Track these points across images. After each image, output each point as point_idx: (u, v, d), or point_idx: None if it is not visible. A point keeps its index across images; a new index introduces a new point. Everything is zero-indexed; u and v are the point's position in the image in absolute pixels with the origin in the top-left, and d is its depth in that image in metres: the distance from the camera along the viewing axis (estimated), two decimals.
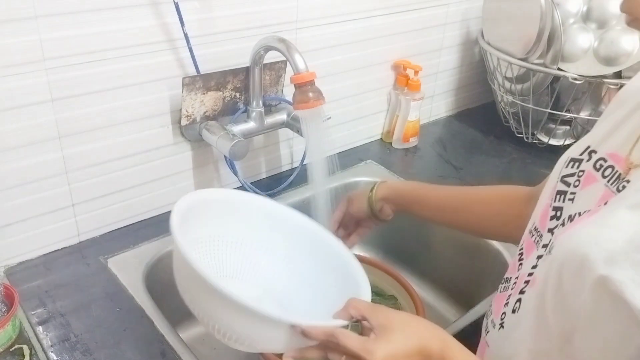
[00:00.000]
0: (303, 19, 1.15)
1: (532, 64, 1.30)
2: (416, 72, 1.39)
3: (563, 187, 0.62)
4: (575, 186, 0.61)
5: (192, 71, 1.01)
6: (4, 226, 0.92)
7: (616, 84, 1.22)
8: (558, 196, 0.63)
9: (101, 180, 1.00)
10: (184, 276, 0.66)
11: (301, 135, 1.15)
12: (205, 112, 1.06)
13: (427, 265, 1.23)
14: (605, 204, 0.55)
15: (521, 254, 0.68)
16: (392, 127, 1.45)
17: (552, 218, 0.63)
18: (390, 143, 1.46)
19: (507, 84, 1.43)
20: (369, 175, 1.29)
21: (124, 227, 1.07)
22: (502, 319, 0.66)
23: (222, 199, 0.82)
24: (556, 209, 0.63)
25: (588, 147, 0.62)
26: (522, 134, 1.45)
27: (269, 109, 1.15)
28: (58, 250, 1.00)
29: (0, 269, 0.94)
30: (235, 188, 1.20)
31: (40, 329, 0.83)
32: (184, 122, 1.03)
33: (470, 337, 0.87)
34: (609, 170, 0.57)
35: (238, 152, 1.03)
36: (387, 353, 0.58)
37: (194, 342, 1.09)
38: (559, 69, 1.27)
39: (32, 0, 0.81)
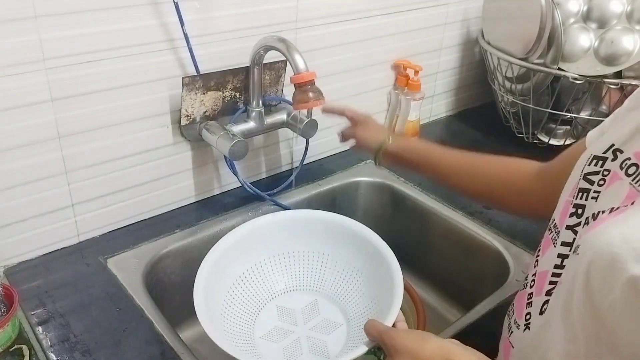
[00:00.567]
0: (303, 19, 1.15)
1: (533, 63, 1.30)
2: (416, 72, 1.39)
3: (586, 185, 0.61)
4: (599, 185, 0.60)
5: (192, 71, 1.01)
6: (4, 226, 0.92)
7: (616, 84, 1.22)
8: (580, 194, 0.61)
9: (101, 180, 1.00)
10: None
11: (301, 135, 1.15)
12: (205, 112, 1.05)
13: (427, 265, 1.23)
14: (632, 203, 0.54)
15: (538, 250, 0.68)
16: (392, 127, 1.45)
17: (571, 215, 0.61)
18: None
19: (507, 84, 1.43)
20: (369, 176, 1.29)
21: (124, 227, 1.07)
22: (527, 320, 0.65)
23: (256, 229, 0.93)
24: (577, 206, 0.61)
25: (612, 145, 0.60)
26: (522, 134, 1.45)
27: (269, 109, 1.15)
28: (58, 250, 1.00)
29: (0, 269, 0.94)
30: (235, 188, 1.20)
31: (39, 329, 0.83)
32: (183, 122, 1.03)
33: (470, 337, 0.87)
34: (633, 168, 0.56)
35: (238, 152, 1.03)
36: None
37: (194, 342, 1.09)
38: (559, 68, 1.27)
39: (32, 0, 0.81)
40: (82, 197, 0.99)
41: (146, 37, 0.94)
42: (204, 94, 1.03)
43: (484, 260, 1.10)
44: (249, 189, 1.16)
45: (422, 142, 0.95)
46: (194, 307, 1.10)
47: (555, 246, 0.63)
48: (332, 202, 1.26)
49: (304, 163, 1.25)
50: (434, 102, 1.59)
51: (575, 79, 1.24)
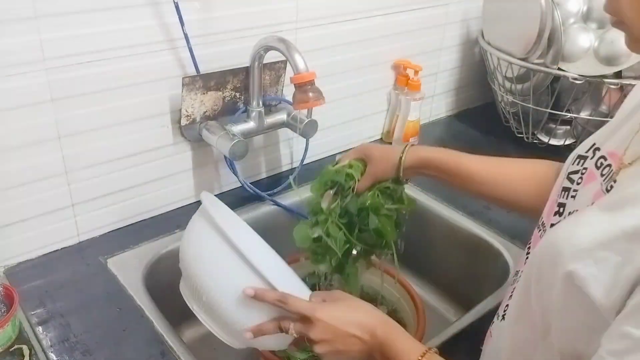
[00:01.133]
0: (303, 19, 1.15)
1: (532, 63, 1.30)
2: (416, 72, 1.39)
3: (567, 184, 0.63)
4: (578, 183, 0.62)
5: (192, 71, 1.01)
6: (4, 226, 0.92)
7: (616, 84, 1.22)
8: (563, 192, 0.64)
9: (101, 180, 0.99)
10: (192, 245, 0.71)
11: (301, 135, 1.15)
12: (205, 112, 1.05)
13: (427, 265, 1.23)
14: (592, 203, 0.56)
15: (529, 247, 0.69)
16: (392, 127, 1.45)
17: (555, 214, 0.64)
18: (391, 143, 1.46)
19: (507, 84, 1.43)
20: None
21: (124, 227, 1.07)
22: (504, 311, 0.68)
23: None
24: (560, 205, 0.64)
25: (594, 144, 0.63)
26: (522, 134, 1.45)
27: (268, 109, 1.15)
28: (58, 250, 1.00)
29: (0, 269, 0.94)
30: (235, 188, 1.20)
31: (39, 329, 0.83)
32: (183, 122, 1.03)
33: (470, 337, 0.87)
34: (607, 169, 0.58)
35: (238, 152, 1.03)
36: (328, 315, 0.65)
37: (194, 342, 1.09)
38: (559, 68, 1.27)
39: (32, 0, 0.81)
40: (82, 197, 0.99)
41: (146, 37, 0.94)
42: (204, 94, 1.03)
43: (484, 260, 1.10)
44: (249, 189, 1.16)
45: (438, 151, 0.91)
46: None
47: None
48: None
49: (304, 163, 1.25)
50: (434, 102, 1.59)
51: (575, 79, 1.24)
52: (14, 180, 0.90)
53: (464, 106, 1.70)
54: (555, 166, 0.82)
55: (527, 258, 0.68)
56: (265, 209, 1.15)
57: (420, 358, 0.62)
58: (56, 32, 0.85)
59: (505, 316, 0.67)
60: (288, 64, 1.06)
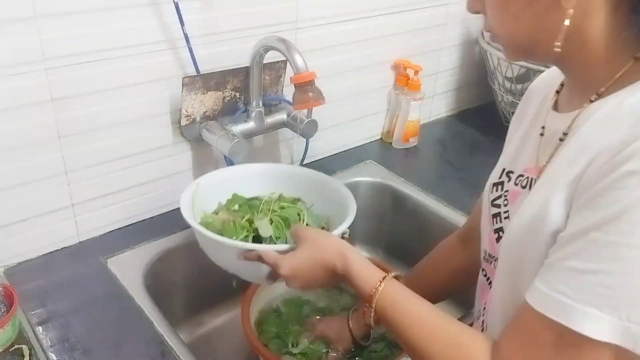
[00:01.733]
0: (303, 19, 1.15)
1: (532, 64, 1.30)
2: (416, 72, 1.39)
3: (495, 210, 0.69)
4: (505, 205, 0.67)
5: (192, 71, 1.01)
6: (4, 226, 0.92)
7: None
8: (494, 219, 0.68)
9: (101, 180, 0.99)
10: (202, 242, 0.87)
11: (301, 135, 1.15)
12: (205, 112, 1.05)
13: None
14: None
15: (487, 278, 0.72)
16: (392, 127, 1.45)
17: (498, 240, 0.67)
18: (391, 143, 1.46)
19: (507, 84, 1.43)
20: (369, 176, 1.29)
21: (124, 227, 1.07)
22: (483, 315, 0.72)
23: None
24: (498, 230, 0.68)
25: (504, 169, 0.70)
26: None
27: (268, 109, 1.15)
28: (58, 250, 1.00)
29: (0, 269, 0.94)
30: None
31: (40, 329, 0.83)
32: (183, 122, 1.03)
33: None
34: (526, 180, 0.64)
35: (238, 151, 1.03)
36: (292, 266, 0.73)
37: (193, 342, 1.09)
38: None
39: (32, 0, 0.81)
40: (82, 197, 0.99)
41: (146, 37, 0.94)
42: (204, 94, 1.03)
43: None
44: None
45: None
46: (194, 307, 1.11)
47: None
48: None
49: (304, 163, 1.25)
50: (434, 102, 1.59)
51: None
52: (14, 180, 0.90)
53: (464, 106, 1.70)
54: (452, 237, 0.91)
55: (490, 288, 0.71)
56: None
57: (376, 287, 0.66)
58: (56, 32, 0.85)
59: (485, 329, 0.71)
60: (288, 64, 1.06)
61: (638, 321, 0.46)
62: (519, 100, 1.38)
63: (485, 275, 0.74)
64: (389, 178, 1.28)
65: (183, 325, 1.09)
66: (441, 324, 0.61)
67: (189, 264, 1.06)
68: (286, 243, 0.84)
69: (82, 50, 0.89)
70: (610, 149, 0.49)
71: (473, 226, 0.84)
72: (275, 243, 0.84)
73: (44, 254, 0.98)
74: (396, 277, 0.69)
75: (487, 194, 0.71)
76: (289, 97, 1.08)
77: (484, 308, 0.73)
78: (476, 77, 1.66)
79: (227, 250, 0.80)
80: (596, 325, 0.48)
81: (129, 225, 1.07)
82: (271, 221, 0.87)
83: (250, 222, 0.87)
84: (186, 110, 1.02)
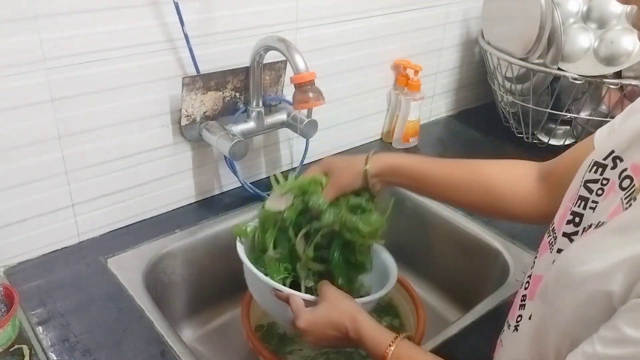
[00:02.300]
0: (303, 19, 1.15)
1: (532, 63, 1.30)
2: (416, 72, 1.39)
3: (585, 193, 0.59)
4: (598, 195, 0.58)
5: (192, 71, 1.01)
6: (4, 226, 0.92)
7: (616, 84, 1.22)
8: (579, 202, 0.60)
9: (101, 180, 1.00)
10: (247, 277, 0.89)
11: (301, 135, 1.15)
12: (205, 112, 1.06)
13: (427, 265, 1.23)
14: (604, 224, 0.54)
15: (538, 252, 0.67)
16: (392, 127, 1.45)
17: (568, 222, 0.60)
18: (391, 143, 1.46)
19: (507, 84, 1.43)
20: None
21: (124, 227, 1.07)
22: (517, 322, 0.65)
23: None
24: (575, 214, 0.60)
25: (612, 151, 0.59)
26: (522, 134, 1.45)
27: (269, 109, 1.15)
28: (58, 250, 1.00)
29: (0, 269, 0.94)
30: (235, 188, 1.20)
31: (40, 329, 0.83)
32: (184, 122, 1.03)
33: (470, 337, 0.87)
34: (627, 181, 0.54)
35: (238, 152, 1.03)
36: (307, 321, 0.75)
37: (194, 342, 1.09)
38: (559, 68, 1.27)
39: (32, 0, 0.81)
40: (82, 197, 0.99)
41: (146, 37, 0.94)
42: (204, 94, 1.03)
43: (484, 260, 1.10)
44: (249, 189, 1.16)
45: (406, 157, 0.86)
46: (194, 307, 1.11)
47: (551, 252, 0.62)
48: None
49: (304, 163, 1.25)
50: (434, 102, 1.59)
51: (575, 79, 1.24)
52: (14, 180, 0.90)
53: (464, 106, 1.70)
54: (533, 166, 0.80)
55: (533, 264, 0.66)
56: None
57: (388, 348, 0.67)
58: (56, 32, 0.85)
59: (518, 328, 0.65)
60: (288, 64, 1.06)
61: None
62: (518, 100, 1.39)
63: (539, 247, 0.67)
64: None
65: (183, 325, 1.09)
66: None
67: (189, 263, 1.06)
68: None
69: (82, 50, 0.89)
70: None
71: (559, 167, 0.75)
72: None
73: (44, 254, 0.98)
74: (408, 338, 0.69)
75: (584, 170, 0.61)
76: (289, 97, 1.08)
77: (527, 283, 0.66)
78: (476, 77, 1.66)
79: (262, 285, 0.82)
80: None
81: (129, 225, 1.07)
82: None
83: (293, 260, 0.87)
84: (186, 110, 1.02)
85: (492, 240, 1.09)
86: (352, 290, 0.88)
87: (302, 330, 0.76)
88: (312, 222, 0.85)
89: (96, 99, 0.93)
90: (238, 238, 0.88)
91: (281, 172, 0.94)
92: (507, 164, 0.82)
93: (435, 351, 0.82)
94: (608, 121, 0.68)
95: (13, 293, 0.82)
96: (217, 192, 1.19)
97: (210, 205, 1.15)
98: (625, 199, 0.53)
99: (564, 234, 0.60)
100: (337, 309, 0.75)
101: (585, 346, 0.48)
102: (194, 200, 1.15)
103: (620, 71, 1.23)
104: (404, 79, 1.40)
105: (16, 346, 0.80)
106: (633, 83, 1.20)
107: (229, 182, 1.19)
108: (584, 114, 1.33)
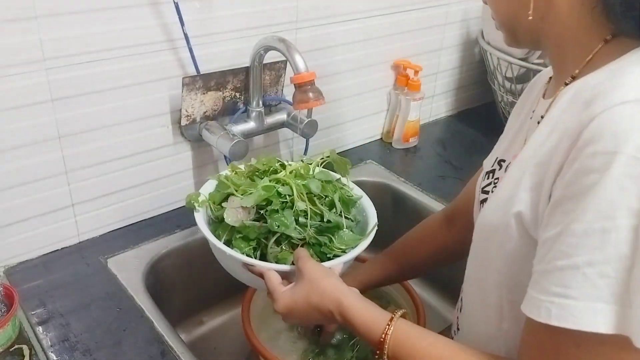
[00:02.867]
0: (303, 19, 1.15)
1: (532, 64, 1.30)
2: (416, 72, 1.39)
3: (484, 197, 0.69)
4: (492, 192, 0.67)
5: (192, 71, 1.01)
6: (4, 226, 0.92)
7: None
8: (482, 205, 0.68)
9: (101, 180, 1.00)
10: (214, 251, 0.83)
11: (301, 135, 1.15)
12: (205, 112, 1.06)
13: None
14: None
15: None
16: (392, 127, 1.45)
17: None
18: (390, 143, 1.46)
19: (507, 84, 1.43)
20: (369, 176, 1.29)
21: (124, 227, 1.07)
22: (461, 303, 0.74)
23: None
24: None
25: (497, 158, 0.71)
26: None
27: (269, 109, 1.15)
28: (58, 250, 1.00)
29: (0, 269, 0.94)
30: None
31: (40, 329, 0.83)
32: (184, 122, 1.03)
33: None
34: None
35: (238, 152, 1.03)
36: (286, 305, 0.70)
37: (194, 342, 1.09)
38: None
39: (32, 0, 0.81)
40: (82, 197, 0.99)
41: (146, 37, 0.94)
42: (204, 94, 1.03)
43: None
44: None
45: (355, 284, 0.85)
46: (193, 307, 1.11)
47: None
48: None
49: None
50: (434, 102, 1.59)
51: None
52: (14, 180, 0.90)
53: (464, 106, 1.70)
54: (439, 215, 0.93)
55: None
56: (237, 163, 1.15)
57: (385, 332, 0.61)
58: (56, 32, 0.85)
59: (462, 308, 0.73)
60: (288, 64, 1.06)
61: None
62: (518, 101, 1.38)
63: None
64: (389, 178, 1.28)
65: (183, 325, 1.09)
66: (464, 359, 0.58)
67: (189, 263, 1.06)
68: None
69: (82, 50, 0.89)
70: (570, 132, 0.50)
71: (460, 206, 0.86)
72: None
73: (44, 254, 0.98)
74: (403, 316, 0.63)
75: (480, 181, 0.72)
76: (289, 97, 1.08)
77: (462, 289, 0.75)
78: (476, 77, 1.66)
79: (230, 259, 0.77)
80: (607, 319, 0.46)
81: (129, 225, 1.07)
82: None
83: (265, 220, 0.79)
84: (186, 110, 1.02)
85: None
86: (329, 249, 0.79)
87: (283, 315, 0.71)
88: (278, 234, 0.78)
89: (96, 99, 0.93)
90: (194, 207, 0.82)
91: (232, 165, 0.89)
92: (420, 228, 0.95)
93: None
94: None
95: (13, 293, 0.82)
96: None
97: None
98: None
99: None
100: (317, 290, 0.68)
101: (529, 289, 0.52)
102: None
103: None
104: (404, 79, 1.40)
105: (16, 346, 0.80)
106: None
107: None
108: None
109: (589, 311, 0.47)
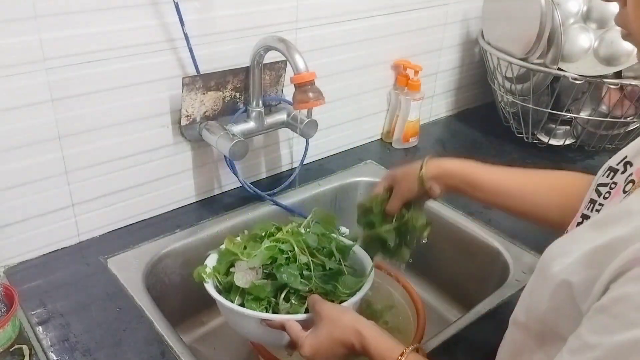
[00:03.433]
0: (303, 19, 1.15)
1: (532, 64, 1.30)
2: (416, 72, 1.39)
3: (595, 197, 0.62)
4: (605, 198, 0.60)
5: (192, 71, 1.01)
6: (4, 226, 0.92)
7: (616, 84, 1.22)
8: (589, 205, 0.63)
9: (101, 180, 1.00)
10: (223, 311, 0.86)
11: (301, 135, 1.15)
12: (205, 112, 1.06)
13: (427, 265, 1.23)
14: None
15: None
16: (392, 127, 1.45)
17: (578, 224, 0.63)
18: (390, 143, 1.46)
19: (507, 84, 1.43)
20: (369, 175, 1.29)
21: (124, 227, 1.07)
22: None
23: None
24: (584, 216, 0.63)
25: (625, 157, 0.61)
26: (522, 134, 1.45)
27: (268, 109, 1.15)
28: (58, 250, 1.00)
29: (0, 269, 0.94)
30: (235, 188, 1.20)
31: (40, 329, 0.83)
32: (184, 122, 1.03)
33: (470, 337, 0.87)
34: (630, 185, 0.56)
35: (238, 152, 1.03)
36: (312, 347, 0.73)
37: (193, 342, 1.09)
38: (559, 69, 1.27)
39: (32, 0, 0.81)
40: (82, 197, 0.99)
41: (146, 37, 0.94)
42: (204, 94, 1.03)
43: (484, 260, 1.10)
44: (249, 189, 1.16)
45: (460, 163, 0.86)
46: (194, 307, 1.11)
47: None
48: (332, 202, 1.26)
49: (304, 163, 1.25)
50: (434, 102, 1.59)
51: (575, 79, 1.24)
52: (14, 180, 0.90)
53: (464, 106, 1.70)
54: (586, 179, 0.79)
55: None
56: (265, 209, 1.15)
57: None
58: (56, 32, 0.85)
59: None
60: (288, 64, 1.06)
61: None
62: (518, 100, 1.39)
63: None
64: None
65: (183, 325, 1.09)
66: None
67: (189, 263, 1.05)
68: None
69: (82, 50, 0.89)
70: None
71: None
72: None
73: (44, 254, 0.98)
74: (416, 350, 0.68)
75: (600, 174, 0.64)
76: (289, 97, 1.08)
77: None
78: (476, 77, 1.66)
79: (247, 319, 0.80)
80: None
81: (129, 225, 1.07)
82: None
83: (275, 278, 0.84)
84: (186, 110, 1.02)
85: (492, 240, 1.09)
86: (336, 295, 0.84)
87: (310, 357, 0.74)
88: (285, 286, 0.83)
89: (96, 99, 0.93)
90: (204, 279, 0.85)
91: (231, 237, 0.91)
92: (559, 176, 0.83)
93: (436, 351, 0.83)
94: (608, 121, 0.68)
95: (13, 293, 0.82)
96: (217, 192, 1.19)
97: (210, 205, 1.15)
98: (623, 200, 0.55)
99: None
100: (339, 325, 0.73)
101: (556, 358, 0.50)
102: (194, 200, 1.15)
103: (620, 71, 1.23)
104: (404, 79, 1.40)
105: (16, 346, 0.80)
106: (633, 83, 1.20)
107: (229, 182, 1.19)
108: (584, 114, 1.33)
109: None
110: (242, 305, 0.81)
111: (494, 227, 1.12)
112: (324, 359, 0.74)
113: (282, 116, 1.15)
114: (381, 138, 1.48)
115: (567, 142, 1.40)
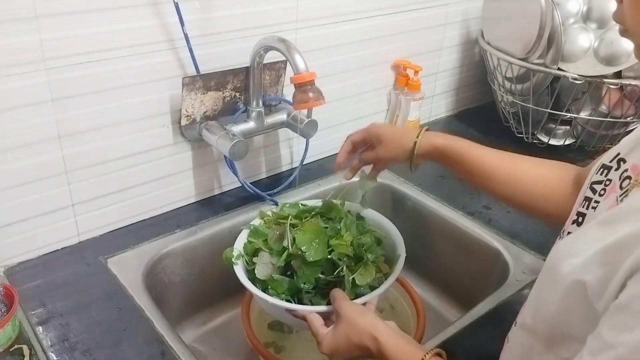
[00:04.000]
0: (303, 19, 1.15)
1: (532, 64, 1.30)
2: (416, 72, 1.39)
3: (590, 194, 0.62)
4: (600, 195, 0.61)
5: (192, 71, 1.01)
6: (4, 226, 0.92)
7: (616, 84, 1.22)
8: (584, 202, 0.63)
9: (101, 180, 1.00)
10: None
11: (301, 135, 1.15)
12: (205, 112, 1.06)
13: (427, 265, 1.23)
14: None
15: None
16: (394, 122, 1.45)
17: (573, 222, 0.63)
18: None
19: (507, 84, 1.43)
20: None
21: (124, 227, 1.07)
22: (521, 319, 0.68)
23: None
24: (579, 214, 0.63)
25: (618, 154, 0.61)
26: (522, 134, 1.45)
27: (269, 109, 1.15)
28: (58, 250, 1.00)
29: (0, 269, 0.94)
30: (235, 188, 1.20)
31: (40, 329, 0.83)
32: (184, 122, 1.03)
33: (470, 337, 0.87)
34: (627, 182, 0.56)
35: (238, 152, 1.03)
36: (330, 346, 0.74)
37: (193, 342, 1.09)
38: (559, 69, 1.27)
39: (32, 0, 0.81)
40: (82, 197, 0.99)
41: (146, 37, 0.94)
42: (204, 94, 1.03)
43: (484, 260, 1.10)
44: (249, 189, 1.16)
45: (454, 140, 0.89)
46: (193, 307, 1.11)
47: None
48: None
49: (304, 163, 1.25)
50: (434, 102, 1.59)
51: (575, 79, 1.24)
52: (14, 180, 0.90)
53: (464, 106, 1.70)
54: (573, 170, 0.80)
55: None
56: (265, 209, 1.15)
57: None
58: (56, 32, 0.85)
59: (517, 323, 0.68)
60: (288, 64, 1.06)
61: None
62: (518, 100, 1.38)
63: None
64: (389, 178, 1.28)
65: (183, 325, 1.09)
66: None
67: (189, 263, 1.06)
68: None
69: (82, 50, 0.89)
70: None
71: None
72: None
73: (44, 254, 0.98)
74: (438, 354, 0.67)
75: (593, 172, 0.64)
76: (289, 97, 1.08)
77: None
78: (476, 77, 1.66)
79: (274, 306, 0.83)
80: None
81: (129, 225, 1.07)
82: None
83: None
84: (186, 110, 1.02)
85: (492, 240, 1.09)
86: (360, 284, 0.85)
87: (328, 355, 0.75)
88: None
89: (96, 99, 0.93)
90: (232, 262, 0.87)
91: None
92: (549, 165, 0.84)
93: None
94: (608, 121, 0.68)
95: (13, 293, 0.82)
96: (217, 192, 1.19)
97: (210, 205, 1.15)
98: (620, 197, 0.55)
99: (569, 234, 0.63)
100: (356, 329, 0.73)
101: (576, 359, 0.50)
102: (194, 200, 1.15)
103: (620, 71, 1.23)
104: (404, 79, 1.40)
105: (16, 346, 0.80)
106: (633, 83, 1.20)
107: (229, 182, 1.19)
108: (584, 114, 1.33)
109: None
110: (267, 287, 0.85)
111: (494, 227, 1.12)
112: (342, 358, 0.76)
113: (282, 116, 1.15)
114: None
115: (567, 142, 1.40)
